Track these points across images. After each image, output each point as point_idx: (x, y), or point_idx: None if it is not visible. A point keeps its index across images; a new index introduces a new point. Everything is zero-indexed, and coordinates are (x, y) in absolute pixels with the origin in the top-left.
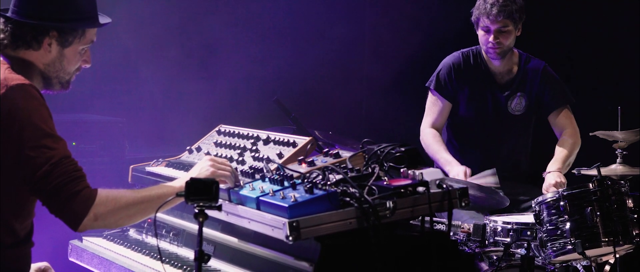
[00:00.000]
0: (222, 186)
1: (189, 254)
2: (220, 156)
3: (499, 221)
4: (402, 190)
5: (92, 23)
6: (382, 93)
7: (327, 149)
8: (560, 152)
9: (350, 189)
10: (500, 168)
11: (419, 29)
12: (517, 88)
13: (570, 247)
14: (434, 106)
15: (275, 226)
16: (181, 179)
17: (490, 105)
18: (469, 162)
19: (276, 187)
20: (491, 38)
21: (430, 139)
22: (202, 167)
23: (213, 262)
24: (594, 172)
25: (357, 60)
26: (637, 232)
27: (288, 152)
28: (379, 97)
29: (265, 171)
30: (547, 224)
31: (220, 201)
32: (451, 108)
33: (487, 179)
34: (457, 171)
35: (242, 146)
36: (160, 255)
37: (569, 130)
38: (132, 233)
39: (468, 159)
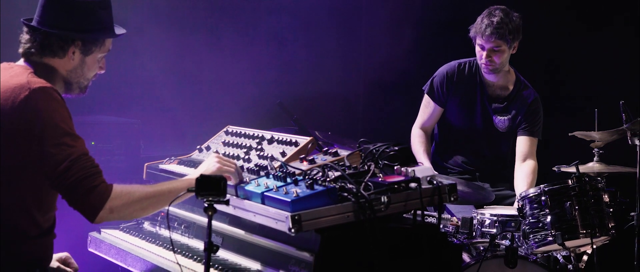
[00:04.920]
0: (228, 182)
1: (199, 245)
2: (228, 155)
3: (486, 213)
4: (395, 186)
5: (111, 33)
6: (378, 95)
7: (326, 148)
8: (524, 184)
9: (348, 185)
10: (479, 170)
11: (415, 31)
12: (505, 109)
13: (551, 238)
14: (426, 108)
15: (279, 219)
16: (190, 174)
17: (479, 114)
18: (451, 162)
19: (279, 183)
20: (484, 56)
21: (415, 139)
22: (209, 163)
23: (221, 253)
24: (573, 169)
25: (354, 64)
26: (612, 224)
27: (290, 151)
28: (375, 100)
29: (269, 168)
30: (530, 217)
31: (228, 196)
32: (442, 112)
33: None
34: None
35: (248, 145)
36: (173, 246)
37: (532, 163)
38: (147, 226)
39: (450, 159)
